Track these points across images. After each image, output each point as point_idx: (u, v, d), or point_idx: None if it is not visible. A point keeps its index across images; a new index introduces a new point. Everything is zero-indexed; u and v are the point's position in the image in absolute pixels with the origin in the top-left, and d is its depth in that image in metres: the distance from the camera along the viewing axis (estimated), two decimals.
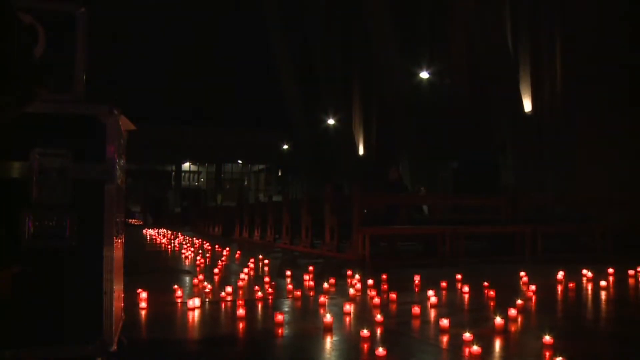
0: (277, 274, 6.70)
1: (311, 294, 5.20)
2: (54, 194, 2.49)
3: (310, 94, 34.68)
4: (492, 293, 4.92)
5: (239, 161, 49.87)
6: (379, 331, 3.60)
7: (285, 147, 42.31)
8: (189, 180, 50.64)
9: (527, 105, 18.28)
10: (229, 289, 5.00)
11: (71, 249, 2.50)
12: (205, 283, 5.36)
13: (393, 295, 4.74)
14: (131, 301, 4.33)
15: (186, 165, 49.47)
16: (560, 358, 2.69)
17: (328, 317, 3.64)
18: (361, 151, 30.51)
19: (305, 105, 35.89)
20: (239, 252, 9.96)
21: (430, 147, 23.44)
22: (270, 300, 4.89)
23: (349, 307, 4.19)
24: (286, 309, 4.49)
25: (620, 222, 10.73)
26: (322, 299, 4.54)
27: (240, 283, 5.58)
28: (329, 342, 3.36)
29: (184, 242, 12.70)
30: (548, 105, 17.47)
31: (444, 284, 5.49)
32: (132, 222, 33.37)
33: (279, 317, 3.73)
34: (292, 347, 3.29)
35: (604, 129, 14.52)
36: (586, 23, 15.28)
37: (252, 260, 7.57)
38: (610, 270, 6.52)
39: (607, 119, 14.48)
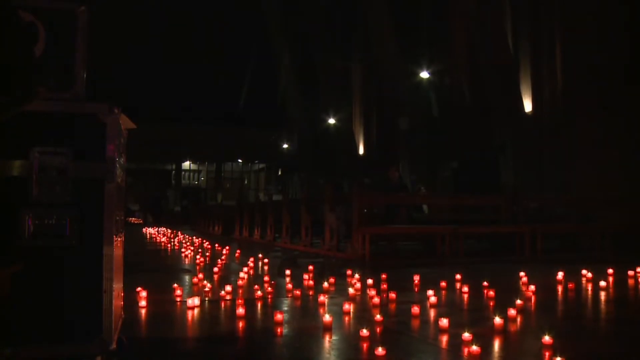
0: (277, 273, 6.70)
1: (311, 293, 5.20)
2: (54, 192, 2.49)
3: (311, 93, 34.68)
4: (491, 293, 4.92)
5: (239, 160, 49.86)
6: (378, 331, 3.61)
7: (285, 146, 42.30)
8: (189, 179, 50.64)
9: (527, 105, 18.28)
10: (228, 287, 5.00)
11: (71, 247, 2.50)
12: (205, 282, 5.36)
13: (392, 295, 4.74)
14: (131, 300, 4.34)
15: (186, 164, 49.48)
16: (560, 358, 2.69)
17: (327, 317, 3.64)
18: (361, 150, 30.50)
19: (306, 104, 35.89)
20: (238, 251, 9.97)
21: (431, 147, 23.46)
22: (269, 299, 4.89)
23: (348, 307, 4.19)
24: (286, 308, 4.49)
25: (620, 221, 10.73)
26: (321, 298, 4.54)
27: (240, 282, 5.58)
28: (328, 341, 3.36)
29: (183, 241, 12.71)
30: (548, 105, 17.46)
31: (443, 284, 5.49)
32: (132, 221, 33.36)
33: (279, 316, 3.73)
34: (291, 346, 3.29)
35: (603, 128, 14.51)
36: (586, 24, 15.27)
37: (251, 259, 7.57)
38: (610, 271, 6.52)
39: (606, 119, 14.47)
